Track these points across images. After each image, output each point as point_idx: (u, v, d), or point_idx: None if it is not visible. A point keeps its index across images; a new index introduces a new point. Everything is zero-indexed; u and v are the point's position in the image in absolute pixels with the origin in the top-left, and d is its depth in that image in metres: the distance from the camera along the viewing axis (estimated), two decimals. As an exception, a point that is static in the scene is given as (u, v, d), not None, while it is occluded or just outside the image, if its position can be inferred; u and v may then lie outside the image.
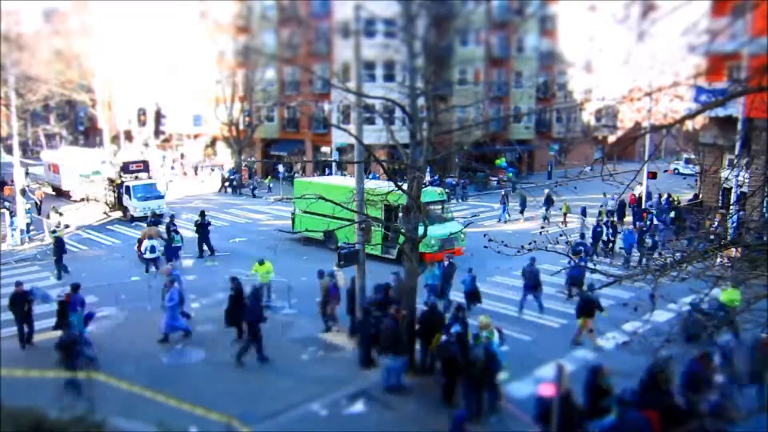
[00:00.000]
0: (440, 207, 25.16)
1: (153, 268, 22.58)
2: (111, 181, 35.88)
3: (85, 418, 10.02)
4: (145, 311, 18.64)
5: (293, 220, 27.47)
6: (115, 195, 35.18)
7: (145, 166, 36.76)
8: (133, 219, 33.42)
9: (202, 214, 26.36)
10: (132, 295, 20.01)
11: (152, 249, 23.02)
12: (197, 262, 25.01)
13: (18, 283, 16.57)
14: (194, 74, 47.43)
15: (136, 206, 33.66)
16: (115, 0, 50.77)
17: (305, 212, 22.64)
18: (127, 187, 34.13)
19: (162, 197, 34.68)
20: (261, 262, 19.66)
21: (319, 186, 23.67)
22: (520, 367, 14.81)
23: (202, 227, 25.77)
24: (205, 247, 25.83)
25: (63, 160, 43.09)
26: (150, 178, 36.26)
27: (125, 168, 35.59)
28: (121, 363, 15.15)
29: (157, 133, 49.63)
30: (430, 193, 24.27)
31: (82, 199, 39.38)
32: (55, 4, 59.27)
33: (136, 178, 35.12)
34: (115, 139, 58.39)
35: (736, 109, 23.72)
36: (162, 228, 26.17)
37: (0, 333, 16.53)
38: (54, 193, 42.63)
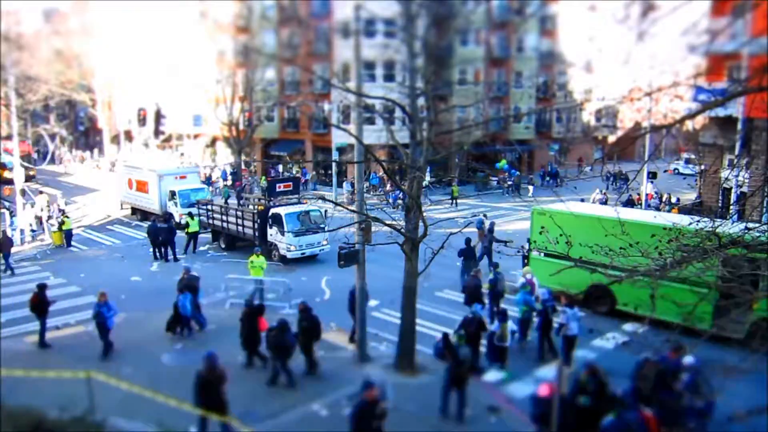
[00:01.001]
0: None
1: None
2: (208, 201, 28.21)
3: (85, 418, 10.03)
4: (145, 311, 18.64)
5: (528, 263, 18.31)
6: (254, 226, 25.20)
7: (294, 186, 27.12)
8: (285, 261, 24.03)
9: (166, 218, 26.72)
10: (132, 295, 20.02)
11: None
12: (165, 265, 24.71)
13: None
14: (194, 74, 47.40)
15: (289, 244, 23.97)
16: (115, 0, 50.79)
17: (552, 255, 13.00)
18: (276, 216, 24.46)
19: (323, 228, 22.93)
20: None
21: (586, 220, 15.63)
22: (520, 367, 14.85)
23: (166, 231, 25.47)
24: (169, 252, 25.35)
25: (153, 171, 32.73)
26: (300, 202, 26.08)
27: (271, 189, 26.32)
28: (121, 363, 15.16)
29: (157, 133, 49.52)
30: None
31: (182, 227, 27.79)
32: (55, 4, 59.39)
33: (269, 201, 25.67)
34: (115, 139, 58.39)
35: (736, 109, 23.75)
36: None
37: (0, 333, 16.58)
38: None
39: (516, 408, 12.90)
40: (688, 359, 10.90)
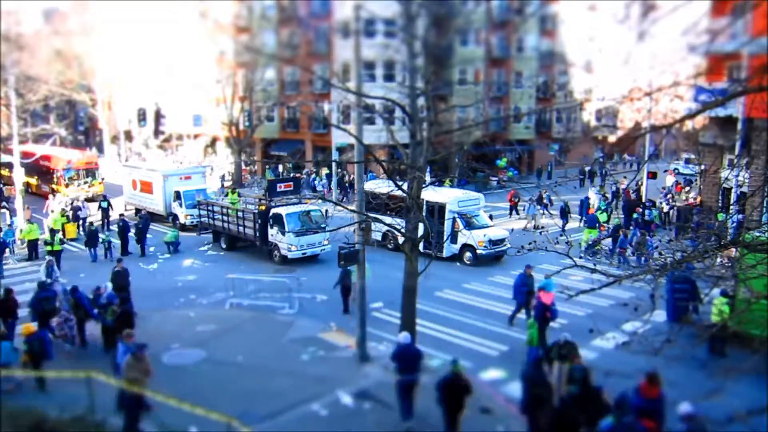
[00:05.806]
0: None
1: None
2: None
3: (85, 418, 10.03)
4: (145, 311, 18.62)
5: None
6: (255, 227, 25.10)
7: (295, 186, 26.65)
8: (285, 261, 24.21)
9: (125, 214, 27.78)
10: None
11: None
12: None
13: None
14: (194, 74, 47.39)
15: (290, 244, 23.95)
16: (115, 0, 50.79)
17: None
18: (277, 216, 24.41)
19: (323, 228, 22.52)
20: None
21: None
22: (520, 367, 14.82)
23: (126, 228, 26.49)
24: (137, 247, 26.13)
25: (157, 172, 32.57)
26: (300, 202, 25.86)
27: (271, 189, 25.70)
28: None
29: (157, 133, 49.59)
30: None
31: (195, 226, 29.28)
32: (55, 4, 59.25)
33: (261, 201, 25.45)
34: (115, 139, 58.39)
35: (736, 109, 23.74)
36: None
37: None
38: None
39: (515, 408, 12.89)
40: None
